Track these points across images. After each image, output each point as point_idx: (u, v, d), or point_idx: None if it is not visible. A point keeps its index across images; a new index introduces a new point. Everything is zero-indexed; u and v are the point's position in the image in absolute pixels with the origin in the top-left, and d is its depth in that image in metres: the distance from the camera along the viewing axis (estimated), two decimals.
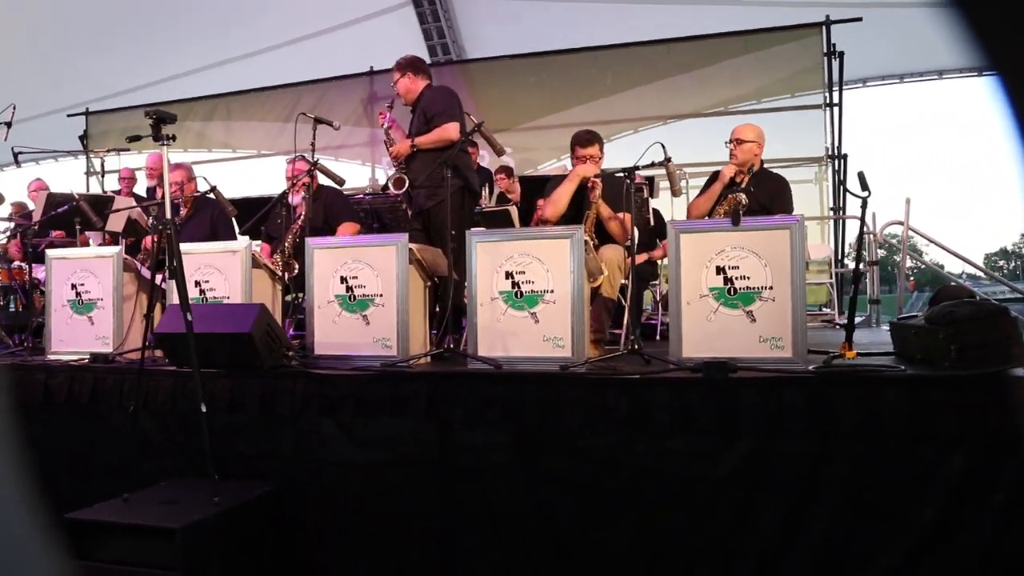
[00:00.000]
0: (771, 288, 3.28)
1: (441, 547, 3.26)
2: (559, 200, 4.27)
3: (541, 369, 3.33)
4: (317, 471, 3.42)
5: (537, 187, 6.45)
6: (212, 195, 4.56)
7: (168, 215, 3.18)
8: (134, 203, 5.67)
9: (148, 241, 5.00)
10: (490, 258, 3.59)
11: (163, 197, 3.29)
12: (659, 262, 5.85)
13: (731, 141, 4.43)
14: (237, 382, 3.56)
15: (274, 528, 3.29)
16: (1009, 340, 2.96)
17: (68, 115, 9.51)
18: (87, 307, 4.30)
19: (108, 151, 6.07)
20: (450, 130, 4.26)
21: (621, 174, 3.71)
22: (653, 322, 5.76)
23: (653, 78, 7.57)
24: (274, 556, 3.29)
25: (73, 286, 4.32)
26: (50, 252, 4.42)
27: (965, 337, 2.94)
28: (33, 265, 5.65)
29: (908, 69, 9.33)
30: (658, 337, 5.49)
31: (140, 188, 6.90)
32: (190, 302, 4.02)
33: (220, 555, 2.96)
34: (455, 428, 3.24)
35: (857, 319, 6.44)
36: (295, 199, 4.73)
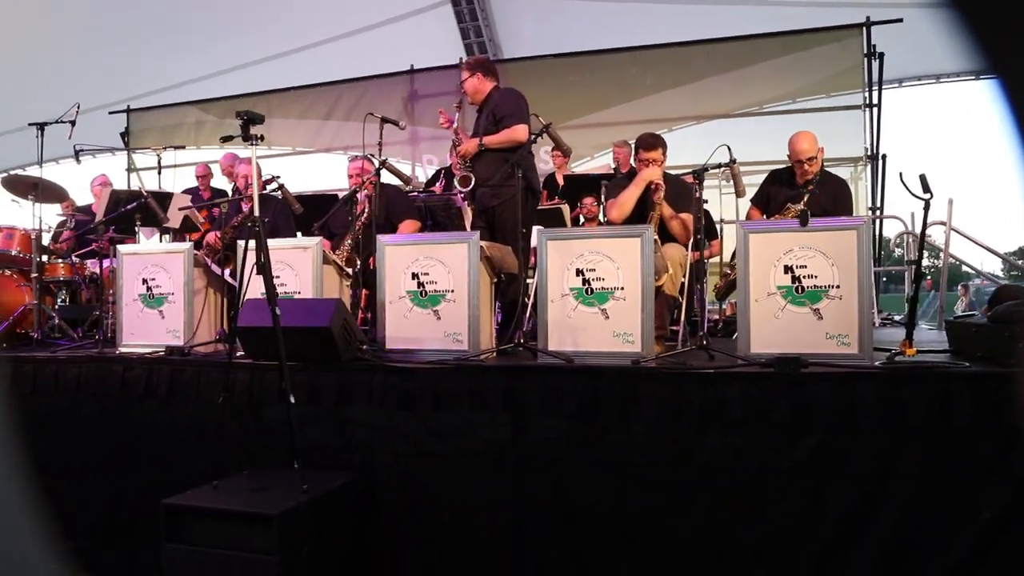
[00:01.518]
0: (838, 287, 3.37)
1: (513, 534, 3.36)
2: (625, 204, 4.36)
3: (611, 363, 3.44)
4: (392, 462, 3.52)
5: (579, 184, 6.58)
6: (279, 192, 4.67)
7: (257, 212, 3.28)
8: (189, 199, 5.81)
9: (212, 237, 5.13)
10: (561, 256, 3.69)
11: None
12: (706, 260, 5.94)
13: (797, 161, 4.37)
14: (314, 375, 3.68)
15: (352, 516, 3.41)
16: None
17: (110, 112, 9.67)
18: (158, 301, 4.43)
19: (165, 148, 6.22)
20: (519, 132, 4.39)
21: (690, 174, 3.80)
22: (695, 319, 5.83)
23: (693, 78, 7.64)
24: (352, 543, 3.41)
25: (144, 281, 4.45)
26: (121, 248, 4.54)
27: None
28: (89, 260, 5.81)
29: (944, 69, 9.38)
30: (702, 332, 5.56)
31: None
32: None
33: (310, 541, 3.08)
34: (531, 420, 3.34)
35: (897, 317, 6.54)
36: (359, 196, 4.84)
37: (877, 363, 3.29)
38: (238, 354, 4.18)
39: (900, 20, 6.87)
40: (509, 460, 3.37)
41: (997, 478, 2.81)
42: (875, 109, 7.00)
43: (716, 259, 5.68)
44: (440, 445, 3.46)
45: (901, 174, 3.69)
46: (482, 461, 3.39)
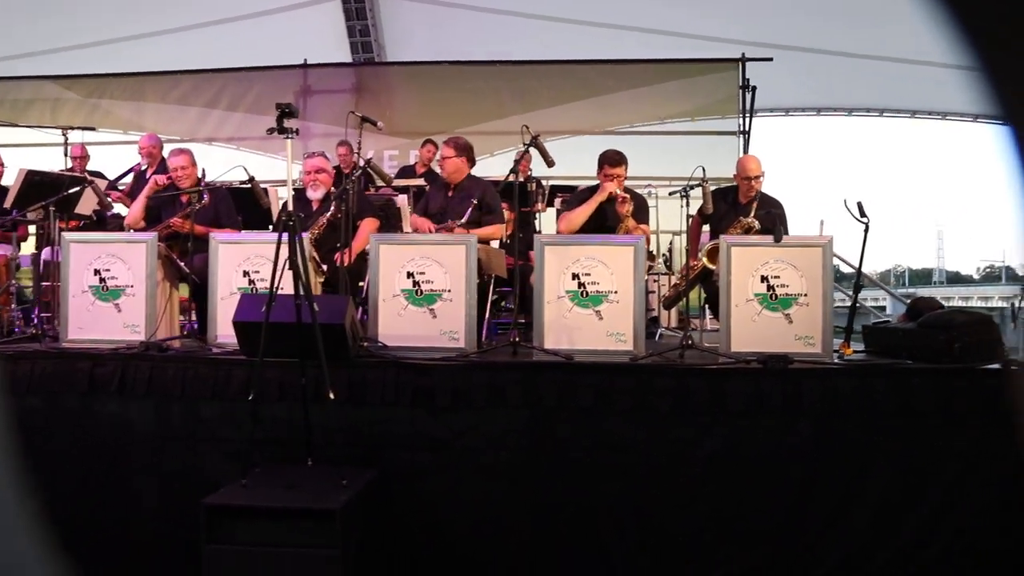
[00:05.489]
0: (805, 295, 3.89)
1: (533, 530, 3.55)
2: (575, 220, 4.68)
3: (606, 361, 3.75)
4: (408, 457, 3.60)
5: None
6: (250, 185, 4.53)
7: (291, 207, 3.27)
8: (106, 184, 5.45)
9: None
10: (558, 260, 3.95)
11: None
12: None
13: (745, 178, 4.85)
14: (320, 371, 3.65)
15: (386, 510, 3.46)
16: (996, 340, 3.77)
17: None
18: (113, 294, 4.18)
19: (72, 128, 5.71)
20: (499, 231, 4.85)
21: (677, 192, 4.18)
22: None
23: (588, 94, 8.07)
24: (391, 536, 3.47)
25: (96, 271, 4.18)
26: (67, 235, 4.23)
27: (965, 337, 3.69)
28: None
29: (793, 104, 10.62)
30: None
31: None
32: (239, 292, 4.09)
33: (362, 534, 3.13)
34: (549, 414, 3.56)
35: None
36: (315, 193, 4.79)
37: (836, 360, 3.86)
38: (214, 350, 4.08)
39: (771, 59, 7.73)
40: (528, 454, 3.56)
41: (956, 450, 3.44)
42: (747, 136, 7.82)
43: None
44: (458, 440, 3.59)
45: (845, 200, 4.30)
46: (502, 455, 3.56)
